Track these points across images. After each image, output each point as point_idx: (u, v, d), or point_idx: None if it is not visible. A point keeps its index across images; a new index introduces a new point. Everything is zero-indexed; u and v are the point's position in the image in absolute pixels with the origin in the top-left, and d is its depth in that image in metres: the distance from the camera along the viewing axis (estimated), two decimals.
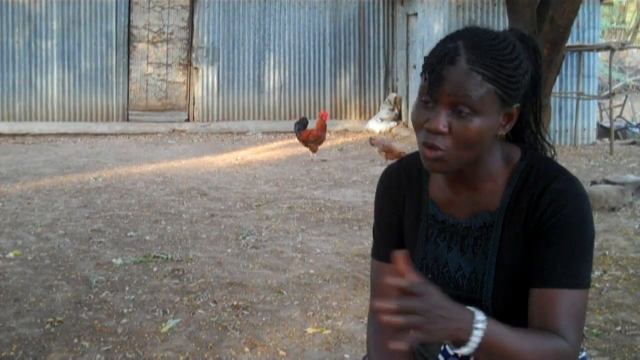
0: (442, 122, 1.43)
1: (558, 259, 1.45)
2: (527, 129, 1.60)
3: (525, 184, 1.51)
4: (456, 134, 1.43)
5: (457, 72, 1.41)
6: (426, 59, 1.47)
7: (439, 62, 1.43)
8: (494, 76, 1.42)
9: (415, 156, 1.69)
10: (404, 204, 1.68)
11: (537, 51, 1.56)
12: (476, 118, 1.42)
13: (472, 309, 1.34)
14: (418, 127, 1.48)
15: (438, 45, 1.48)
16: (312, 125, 10.76)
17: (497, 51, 1.43)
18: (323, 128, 10.49)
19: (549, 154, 1.62)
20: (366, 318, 3.75)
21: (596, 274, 4.87)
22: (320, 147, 10.64)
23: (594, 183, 7.51)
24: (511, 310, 1.53)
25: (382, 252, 1.72)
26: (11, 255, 5.34)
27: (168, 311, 4.21)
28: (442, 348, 1.62)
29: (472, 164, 1.51)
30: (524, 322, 1.53)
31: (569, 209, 1.45)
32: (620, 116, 14.15)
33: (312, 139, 10.42)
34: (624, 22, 24.88)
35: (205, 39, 14.07)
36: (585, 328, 1.67)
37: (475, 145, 1.45)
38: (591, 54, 12.01)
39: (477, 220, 1.56)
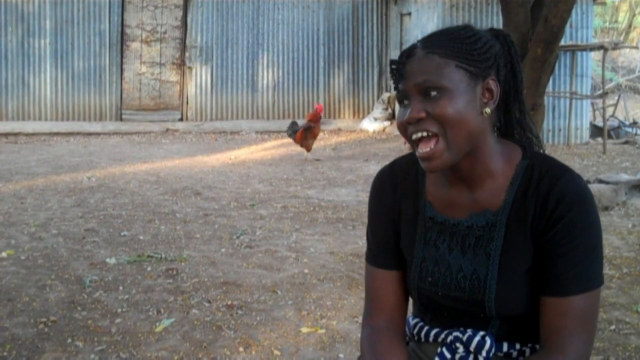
0: (417, 108, 1.45)
1: (568, 267, 1.45)
2: (516, 124, 1.59)
3: (530, 184, 1.50)
4: (435, 116, 1.44)
5: (415, 61, 1.47)
6: (389, 65, 1.53)
7: (399, 62, 1.50)
8: (451, 52, 1.45)
9: (408, 158, 1.67)
10: (399, 208, 1.65)
11: (505, 34, 1.56)
12: (446, 96, 1.44)
13: None
14: (403, 128, 1.50)
15: None
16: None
17: (451, 32, 1.49)
18: (314, 118, 10.41)
19: (536, 149, 1.59)
20: (360, 317, 3.75)
21: None
22: (313, 147, 10.63)
23: (587, 182, 7.53)
24: (515, 311, 1.52)
25: (376, 257, 1.68)
26: (4, 254, 5.32)
27: (162, 311, 4.20)
28: (439, 350, 1.60)
29: (469, 155, 1.48)
30: (527, 322, 1.53)
31: (575, 211, 1.44)
32: (612, 115, 14.21)
33: (304, 132, 10.31)
34: (616, 21, 24.97)
35: (199, 38, 14.05)
36: None
37: (460, 123, 1.44)
38: (584, 53, 12.05)
39: (479, 219, 1.54)
